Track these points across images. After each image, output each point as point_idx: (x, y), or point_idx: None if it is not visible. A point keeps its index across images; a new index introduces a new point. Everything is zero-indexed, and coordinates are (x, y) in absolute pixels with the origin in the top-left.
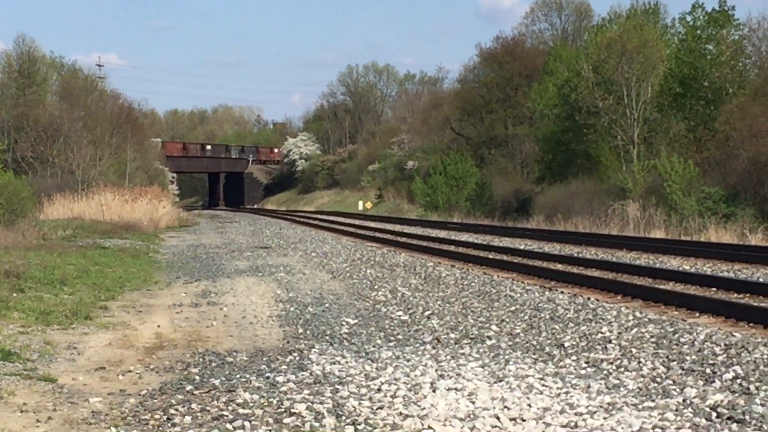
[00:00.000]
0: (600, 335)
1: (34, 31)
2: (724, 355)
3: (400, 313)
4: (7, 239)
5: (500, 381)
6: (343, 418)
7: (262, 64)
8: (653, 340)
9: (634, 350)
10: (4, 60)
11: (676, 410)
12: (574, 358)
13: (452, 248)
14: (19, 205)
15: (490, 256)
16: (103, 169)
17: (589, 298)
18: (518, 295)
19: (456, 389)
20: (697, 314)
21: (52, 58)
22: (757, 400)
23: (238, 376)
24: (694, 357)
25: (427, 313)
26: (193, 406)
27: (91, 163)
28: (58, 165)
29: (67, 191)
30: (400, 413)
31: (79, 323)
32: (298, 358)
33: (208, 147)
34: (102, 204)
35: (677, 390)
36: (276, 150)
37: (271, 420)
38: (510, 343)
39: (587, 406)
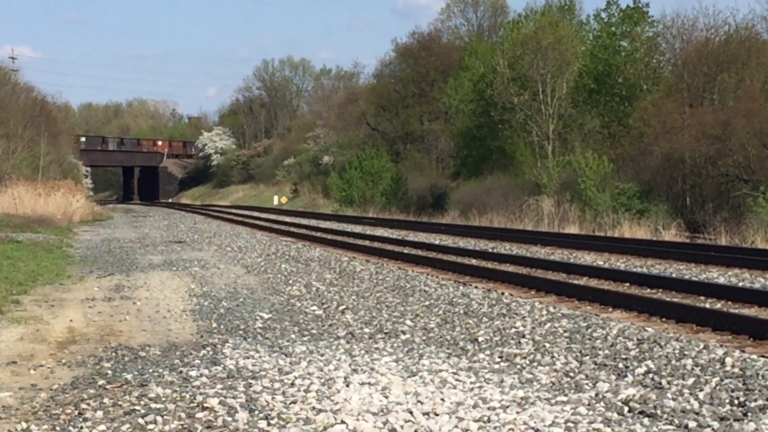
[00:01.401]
0: (514, 330)
1: None
2: (637, 350)
3: (315, 307)
4: None
5: (414, 375)
6: (256, 412)
7: (178, 58)
8: (566, 334)
9: (547, 345)
10: None
11: (589, 405)
12: (487, 352)
13: (367, 243)
14: None
15: (405, 251)
16: (16, 162)
17: (503, 293)
18: (432, 289)
19: (369, 384)
20: (611, 309)
21: None
22: (669, 395)
23: (150, 370)
24: (606, 352)
25: (342, 307)
26: (105, 400)
27: (3, 157)
28: None
29: None
30: (314, 408)
31: None
32: (211, 353)
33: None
34: (15, 197)
35: (590, 384)
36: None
37: (183, 415)
38: (424, 337)
39: (500, 401)
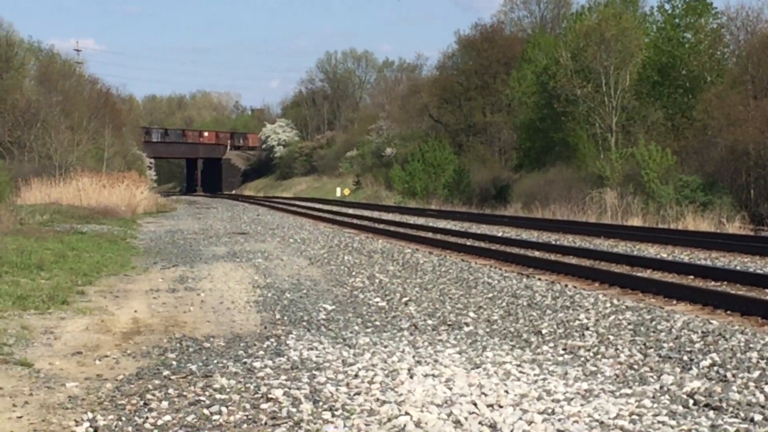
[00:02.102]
0: (577, 322)
1: (11, 15)
2: (701, 343)
3: (378, 299)
4: None
5: (478, 367)
6: (320, 403)
7: (241, 50)
8: (630, 327)
9: (611, 337)
10: None
11: (653, 397)
12: (551, 344)
13: (430, 235)
14: None
15: (468, 243)
16: (81, 154)
17: (566, 285)
18: (496, 282)
19: (433, 375)
20: (675, 302)
21: (30, 43)
22: (734, 388)
23: (215, 361)
24: (671, 344)
25: (405, 299)
26: (170, 391)
27: (68, 148)
28: (35, 150)
29: (44, 176)
30: (378, 399)
31: (56, 308)
32: (275, 344)
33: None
34: (79, 189)
35: (654, 377)
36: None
37: (248, 405)
38: (487, 329)
39: (564, 393)
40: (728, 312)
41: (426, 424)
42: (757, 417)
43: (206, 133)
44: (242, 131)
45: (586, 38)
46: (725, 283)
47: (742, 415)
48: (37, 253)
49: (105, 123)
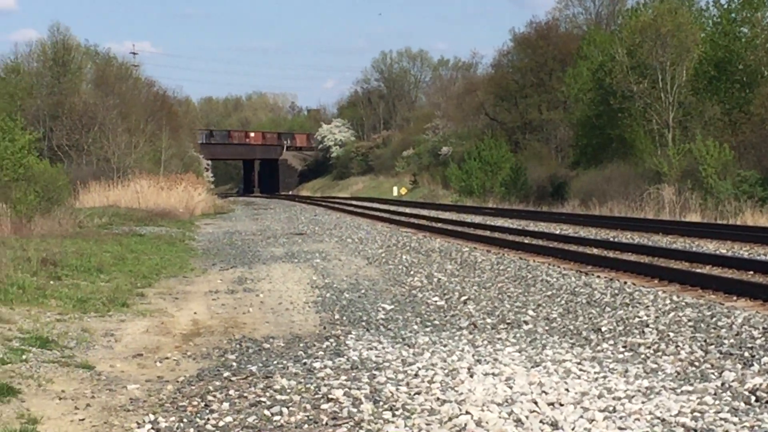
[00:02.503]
0: (637, 319)
1: (68, 19)
2: (763, 339)
3: (436, 298)
4: (43, 227)
5: (537, 366)
6: (381, 403)
7: (295, 50)
8: (691, 323)
9: (671, 334)
10: (39, 49)
11: (715, 394)
12: (611, 342)
13: (487, 233)
14: (55, 193)
15: (526, 241)
16: (138, 156)
17: (625, 283)
18: (554, 279)
19: (493, 374)
20: (735, 298)
21: (87, 47)
22: None
23: (275, 362)
24: (732, 341)
25: (464, 298)
26: (231, 392)
27: (126, 151)
28: (93, 153)
29: (102, 179)
30: (438, 399)
31: (116, 310)
32: (334, 344)
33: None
34: (137, 192)
35: (715, 374)
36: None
37: (308, 406)
38: (547, 327)
39: (625, 391)
40: None
41: (487, 423)
42: None
43: (252, 134)
44: (289, 131)
45: (642, 34)
46: None
47: None
48: (97, 255)
49: (162, 125)
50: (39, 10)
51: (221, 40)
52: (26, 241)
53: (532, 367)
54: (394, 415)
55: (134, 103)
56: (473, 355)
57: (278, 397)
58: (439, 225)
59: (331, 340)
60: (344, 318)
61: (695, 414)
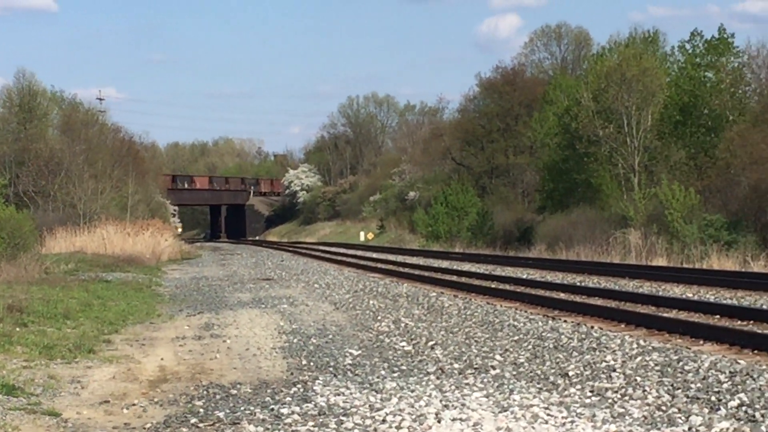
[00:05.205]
0: (604, 364)
1: (33, 65)
2: (729, 383)
3: (404, 343)
4: (9, 273)
5: (505, 411)
6: None
7: (262, 96)
8: (658, 368)
9: (638, 378)
10: (4, 95)
11: None
12: (578, 387)
13: (455, 278)
14: (21, 240)
15: (493, 286)
16: (105, 202)
17: (592, 327)
18: (521, 324)
19: (461, 419)
20: (701, 342)
21: (53, 93)
22: (763, 428)
23: (242, 408)
24: (698, 385)
25: (431, 343)
26: None
27: (92, 197)
28: (59, 199)
29: (69, 225)
30: None
31: (83, 357)
32: (302, 390)
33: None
34: (104, 237)
35: (683, 418)
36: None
37: None
38: (514, 372)
39: None
40: (755, 351)
41: None
42: None
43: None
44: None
45: (607, 79)
46: (752, 322)
47: None
48: (63, 302)
49: (128, 171)
50: (4, 56)
51: (188, 86)
52: None
53: (500, 412)
54: None
55: (100, 148)
56: (441, 401)
57: None
58: (406, 270)
59: (299, 385)
60: (311, 363)
61: None
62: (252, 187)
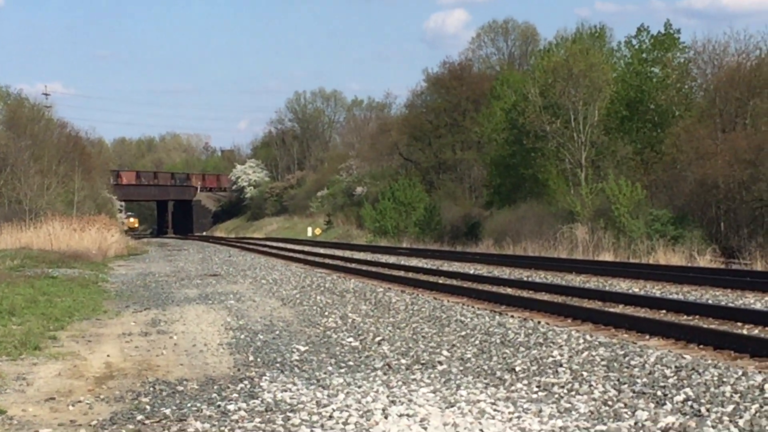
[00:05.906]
0: (551, 359)
1: None
2: (675, 378)
3: (351, 339)
4: None
5: (452, 406)
6: None
7: (209, 91)
8: (604, 363)
9: (585, 373)
10: None
11: None
12: (525, 382)
13: (402, 273)
14: None
15: (440, 281)
16: (51, 198)
17: (539, 322)
18: (468, 319)
19: (408, 415)
20: (648, 337)
21: None
22: (708, 422)
23: (189, 404)
24: (645, 380)
25: (378, 339)
26: None
27: (38, 193)
28: (5, 195)
29: (14, 221)
30: None
31: (28, 354)
32: (249, 386)
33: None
34: (50, 233)
35: (629, 413)
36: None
37: None
38: (461, 368)
39: (539, 430)
40: (701, 346)
41: None
42: None
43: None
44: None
45: (554, 74)
46: (697, 317)
47: None
48: (8, 298)
49: (74, 167)
50: None
51: (135, 82)
52: None
53: (447, 407)
54: None
55: (46, 144)
56: (388, 396)
57: None
58: (354, 265)
59: (246, 382)
60: (258, 359)
61: None
62: (197, 183)
